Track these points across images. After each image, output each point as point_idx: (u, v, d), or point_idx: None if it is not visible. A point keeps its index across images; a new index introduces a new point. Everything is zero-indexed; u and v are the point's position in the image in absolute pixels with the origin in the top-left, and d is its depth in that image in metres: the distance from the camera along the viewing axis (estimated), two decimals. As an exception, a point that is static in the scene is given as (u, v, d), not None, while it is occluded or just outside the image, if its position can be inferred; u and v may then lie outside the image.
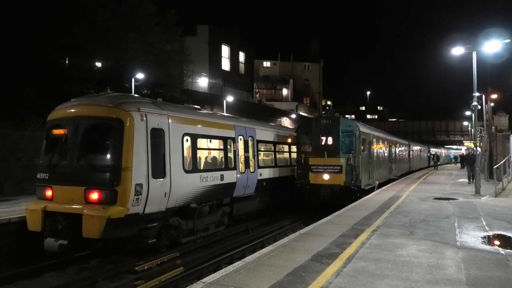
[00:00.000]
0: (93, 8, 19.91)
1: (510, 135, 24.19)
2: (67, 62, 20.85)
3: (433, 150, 53.93)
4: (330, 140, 16.21)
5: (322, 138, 16.31)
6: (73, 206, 8.87)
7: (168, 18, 24.50)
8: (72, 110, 9.84)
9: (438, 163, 45.52)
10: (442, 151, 58.49)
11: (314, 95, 68.60)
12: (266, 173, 15.71)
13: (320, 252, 7.29)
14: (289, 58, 66.24)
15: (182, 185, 10.50)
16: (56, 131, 9.84)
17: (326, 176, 16.00)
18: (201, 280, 5.91)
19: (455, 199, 15.11)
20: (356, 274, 6.04)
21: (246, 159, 14.19)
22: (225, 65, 43.35)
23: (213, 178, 11.99)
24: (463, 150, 72.36)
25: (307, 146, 16.79)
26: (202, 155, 12.21)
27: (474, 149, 21.56)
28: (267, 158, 16.59)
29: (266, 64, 66.38)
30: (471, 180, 21.40)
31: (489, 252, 7.33)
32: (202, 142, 12.00)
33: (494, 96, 30.62)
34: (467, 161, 24.61)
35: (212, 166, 12.63)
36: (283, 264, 6.55)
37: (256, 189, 14.82)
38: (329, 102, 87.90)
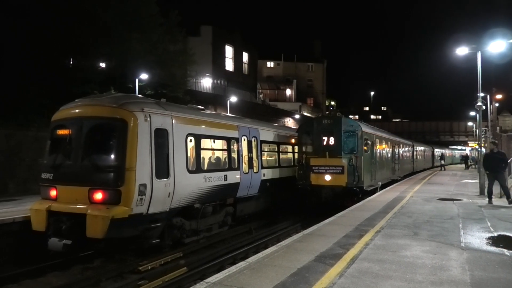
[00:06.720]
0: (96, 8, 19.96)
1: (515, 136, 24.00)
2: (70, 62, 20.92)
3: (438, 151, 53.75)
4: (331, 140, 15.98)
5: (323, 138, 16.07)
6: (77, 206, 8.90)
7: (172, 19, 24.58)
8: (76, 111, 9.90)
9: (442, 161, 45.08)
10: (446, 151, 58.54)
11: (318, 96, 68.59)
12: (270, 174, 15.70)
13: (324, 252, 7.26)
14: (293, 58, 66.25)
15: (186, 185, 10.51)
16: (60, 131, 9.88)
17: (327, 177, 15.79)
18: (204, 280, 5.92)
19: (459, 200, 15.03)
20: (359, 275, 6.02)
21: (250, 159, 14.19)
22: (229, 65, 43.42)
23: (216, 179, 12.00)
24: (467, 151, 71.34)
25: (308, 147, 16.62)
26: (205, 155, 12.21)
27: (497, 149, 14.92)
28: (270, 158, 16.57)
29: (270, 64, 66.45)
30: (489, 197, 14.02)
31: (493, 253, 7.28)
32: (205, 143, 12.01)
33: (498, 96, 30.53)
34: (488, 163, 14.33)
35: (216, 166, 12.63)
36: (287, 264, 6.54)
37: (260, 190, 14.81)
38: (333, 103, 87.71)
